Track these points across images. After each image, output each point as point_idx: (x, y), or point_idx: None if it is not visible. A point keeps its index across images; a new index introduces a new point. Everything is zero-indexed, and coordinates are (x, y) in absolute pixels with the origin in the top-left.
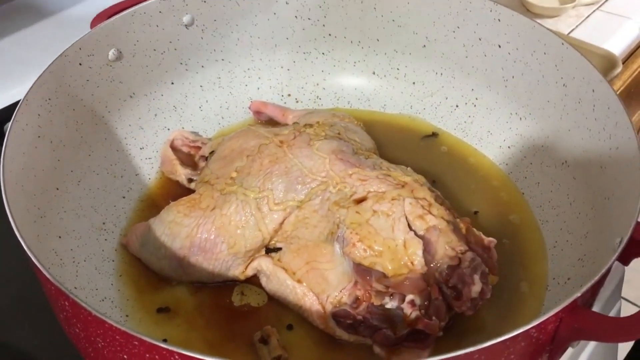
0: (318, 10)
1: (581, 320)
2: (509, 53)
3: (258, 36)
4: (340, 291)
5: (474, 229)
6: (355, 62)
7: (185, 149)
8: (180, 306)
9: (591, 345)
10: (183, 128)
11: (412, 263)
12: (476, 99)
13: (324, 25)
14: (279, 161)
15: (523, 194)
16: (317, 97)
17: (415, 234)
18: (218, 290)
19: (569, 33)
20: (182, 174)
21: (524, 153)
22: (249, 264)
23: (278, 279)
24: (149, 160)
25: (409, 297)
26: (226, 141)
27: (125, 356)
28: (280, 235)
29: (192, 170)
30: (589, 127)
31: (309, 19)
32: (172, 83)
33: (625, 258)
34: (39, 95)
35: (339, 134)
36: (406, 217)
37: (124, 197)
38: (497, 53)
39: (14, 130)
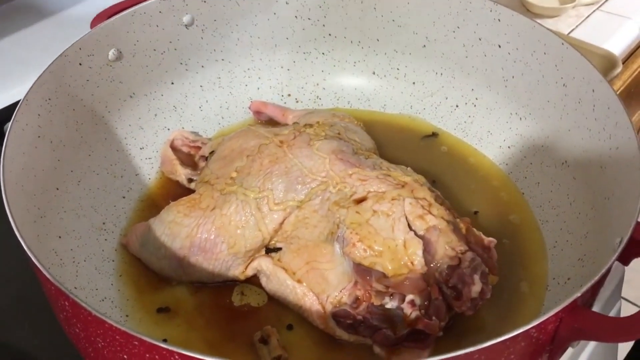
0: (318, 10)
1: (581, 320)
2: (509, 53)
3: (258, 36)
4: (340, 291)
5: (474, 229)
6: (355, 62)
7: (185, 149)
8: (180, 306)
9: (591, 345)
10: (183, 128)
11: (412, 263)
12: (476, 99)
13: (324, 25)
14: (279, 161)
15: (523, 194)
16: (317, 97)
17: (415, 234)
18: (218, 290)
19: (569, 33)
20: (182, 174)
21: (524, 153)
22: (249, 264)
23: (278, 279)
24: (149, 160)
25: (409, 297)
26: (226, 141)
27: (125, 356)
28: (280, 235)
29: (192, 170)
30: (589, 127)
31: (309, 19)
32: (172, 83)
33: (625, 258)
34: (39, 95)
35: (339, 134)
36: (406, 217)
37: (124, 197)
38: (497, 53)
39: (14, 130)
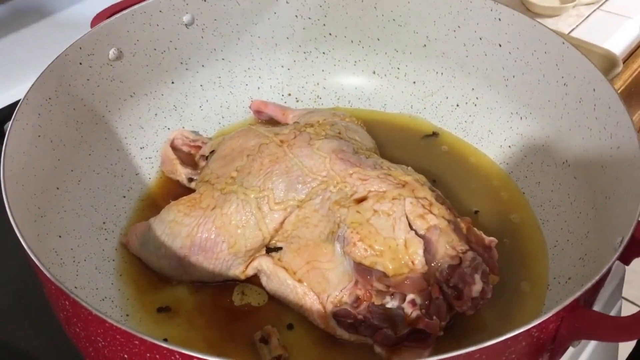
0: (318, 9)
1: (582, 320)
2: (510, 52)
3: (258, 35)
4: (341, 291)
5: (475, 229)
6: (355, 62)
7: (185, 149)
8: (180, 306)
9: (592, 345)
10: (183, 127)
11: (412, 262)
12: (477, 98)
13: (324, 25)
14: (280, 160)
15: (524, 193)
16: (318, 96)
17: (416, 233)
18: (218, 290)
19: (570, 32)
20: (182, 173)
21: (524, 152)
22: (250, 263)
23: (278, 278)
24: (149, 159)
25: (410, 296)
26: (226, 140)
27: (125, 355)
28: (280, 235)
29: (193, 169)
30: (590, 126)
31: (309, 18)
32: (173, 82)
33: (626, 258)
34: (39, 95)
35: (339, 133)
36: (407, 217)
37: (124, 197)
38: (497, 52)
39: (14, 130)
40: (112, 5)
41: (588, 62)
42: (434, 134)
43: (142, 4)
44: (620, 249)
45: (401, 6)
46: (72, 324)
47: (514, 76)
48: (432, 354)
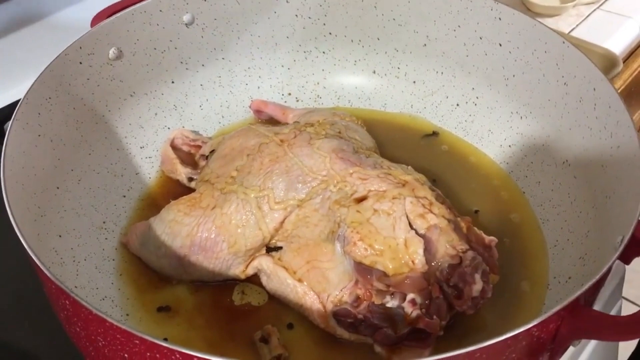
0: (318, 9)
1: (582, 319)
2: (510, 52)
3: (258, 35)
4: (341, 290)
5: (475, 228)
6: (355, 61)
7: (185, 148)
8: (180, 305)
9: (592, 344)
10: (183, 127)
11: (413, 262)
12: (477, 97)
13: (324, 24)
14: (280, 160)
15: (524, 192)
16: (318, 96)
17: (416, 232)
18: (218, 290)
19: (570, 32)
20: (182, 173)
21: (524, 152)
22: (250, 263)
23: (279, 278)
24: (149, 159)
25: (410, 296)
26: (226, 140)
27: (125, 355)
28: (280, 234)
29: (193, 169)
30: (590, 125)
31: (309, 17)
32: (173, 82)
33: (626, 257)
34: (39, 94)
35: (339, 132)
36: (407, 216)
37: (124, 196)
38: (497, 52)
39: (14, 129)
40: (112, 5)
41: (588, 61)
42: (434, 134)
43: (142, 3)
44: (621, 248)
45: (401, 5)
46: (72, 323)
47: (514, 75)
48: (432, 354)
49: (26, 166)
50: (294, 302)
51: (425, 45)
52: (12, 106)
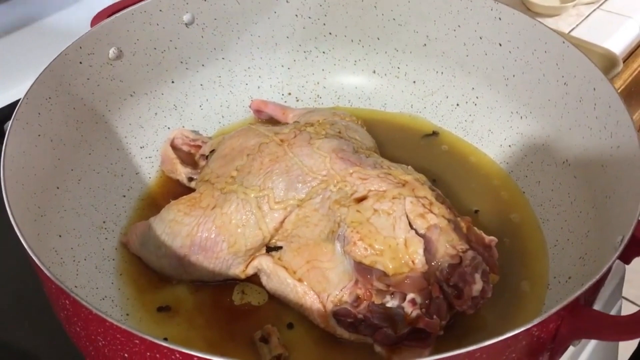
0: (318, 8)
1: (582, 319)
2: (510, 52)
3: (258, 35)
4: (341, 290)
5: (475, 228)
6: (355, 61)
7: (185, 148)
8: (180, 305)
9: (592, 344)
10: (183, 127)
11: (413, 262)
12: (477, 97)
13: (324, 24)
14: (280, 160)
15: (524, 192)
16: (318, 95)
17: (416, 232)
18: (218, 289)
19: (570, 32)
20: (182, 172)
21: (524, 152)
22: (250, 262)
23: (279, 277)
24: (149, 159)
25: (410, 295)
26: (226, 140)
27: (125, 355)
28: (280, 234)
29: (193, 169)
30: (590, 125)
31: (309, 17)
32: (173, 82)
33: (626, 257)
34: (39, 94)
35: (339, 132)
36: (407, 216)
37: (124, 196)
38: (497, 52)
39: (14, 129)
40: (112, 5)
41: (588, 61)
42: (434, 134)
43: (142, 3)
44: (621, 248)
45: (401, 5)
46: (73, 323)
47: (514, 75)
48: (432, 353)
49: (26, 166)
50: (294, 301)
51: (425, 45)
52: (12, 106)
